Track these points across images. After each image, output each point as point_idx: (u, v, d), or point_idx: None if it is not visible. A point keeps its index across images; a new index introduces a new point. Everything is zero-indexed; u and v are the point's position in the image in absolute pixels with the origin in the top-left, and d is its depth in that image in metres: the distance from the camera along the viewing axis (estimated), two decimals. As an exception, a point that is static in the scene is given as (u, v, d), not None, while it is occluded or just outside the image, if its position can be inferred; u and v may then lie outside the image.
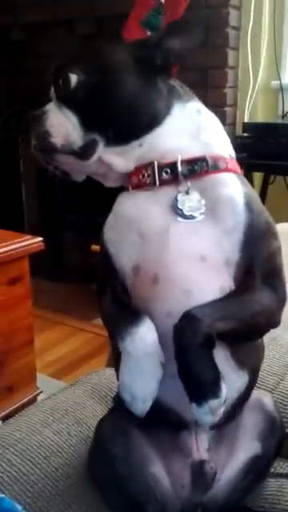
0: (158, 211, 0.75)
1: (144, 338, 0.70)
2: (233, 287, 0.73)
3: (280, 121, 2.59)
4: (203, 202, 0.74)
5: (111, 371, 1.11)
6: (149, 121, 0.77)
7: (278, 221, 2.19)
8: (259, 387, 0.93)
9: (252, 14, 2.54)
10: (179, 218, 0.74)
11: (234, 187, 0.75)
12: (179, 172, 0.75)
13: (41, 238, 1.77)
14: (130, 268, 0.76)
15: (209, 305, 0.71)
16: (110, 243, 0.78)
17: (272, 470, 0.90)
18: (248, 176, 2.52)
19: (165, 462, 0.81)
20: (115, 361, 0.83)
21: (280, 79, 2.59)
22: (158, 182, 0.75)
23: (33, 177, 3.22)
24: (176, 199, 0.74)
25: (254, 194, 0.78)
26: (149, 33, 2.54)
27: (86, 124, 0.76)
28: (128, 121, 0.77)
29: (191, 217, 0.73)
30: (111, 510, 0.82)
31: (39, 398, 1.81)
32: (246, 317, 0.74)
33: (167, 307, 0.73)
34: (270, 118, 2.68)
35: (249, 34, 2.56)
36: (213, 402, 0.69)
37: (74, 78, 0.76)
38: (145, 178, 0.76)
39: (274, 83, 2.63)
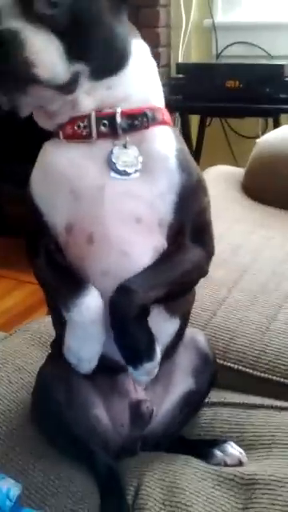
0: (92, 167, 0.72)
1: (90, 307, 0.72)
2: (165, 246, 0.75)
3: (214, 61, 2.58)
4: (140, 158, 0.72)
5: (50, 319, 1.13)
6: (122, 55, 0.72)
7: (214, 163, 2.24)
8: (192, 323, 0.97)
9: None
10: (112, 174, 0.72)
11: (169, 144, 0.75)
12: (118, 125, 0.72)
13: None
14: (63, 226, 0.74)
15: (141, 275, 0.73)
16: (39, 198, 0.74)
17: (206, 399, 0.94)
18: (184, 119, 2.53)
19: (105, 404, 0.84)
20: (54, 318, 0.87)
21: (213, 17, 2.56)
22: (95, 135, 0.72)
23: None
24: (111, 152, 0.72)
25: (186, 150, 0.77)
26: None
27: (71, 52, 0.66)
28: (108, 52, 0.71)
29: (124, 172, 0.72)
30: (56, 448, 0.85)
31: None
32: (178, 278, 0.77)
33: (103, 267, 0.74)
34: (204, 57, 2.68)
35: None
36: (148, 365, 0.73)
37: None
38: (80, 128, 0.72)
39: (207, 21, 2.61)
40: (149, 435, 0.86)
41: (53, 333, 0.89)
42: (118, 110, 0.72)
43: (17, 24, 0.64)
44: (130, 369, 0.73)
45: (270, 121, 2.41)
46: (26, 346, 1.07)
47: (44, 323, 1.12)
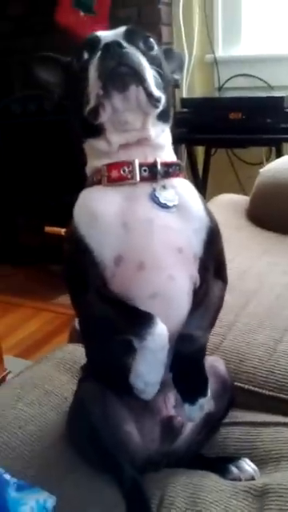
0: (139, 203, 0.82)
1: (162, 334, 0.80)
2: (197, 277, 0.85)
3: (217, 94, 2.67)
4: (177, 197, 0.84)
5: (73, 346, 1.21)
6: (170, 111, 0.86)
7: (220, 191, 2.32)
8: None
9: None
10: (156, 207, 0.82)
11: (194, 191, 0.88)
12: (158, 171, 0.83)
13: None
14: (112, 259, 0.81)
15: (193, 320, 0.85)
16: (90, 239, 0.81)
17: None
18: (190, 150, 2.62)
19: (137, 421, 0.90)
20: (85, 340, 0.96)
21: (214, 52, 2.67)
22: (138, 178, 0.82)
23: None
24: (154, 190, 0.83)
25: (202, 199, 0.90)
26: (82, 13, 2.57)
27: (158, 84, 0.80)
28: (169, 103, 0.84)
29: (166, 206, 0.82)
30: (86, 462, 0.91)
31: (8, 377, 1.88)
32: (216, 314, 0.90)
33: (152, 290, 0.83)
34: (207, 91, 2.76)
35: (180, 8, 2.61)
36: (202, 401, 0.83)
37: (155, 45, 0.83)
38: (125, 173, 0.82)
39: (209, 57, 2.70)
40: (172, 453, 0.93)
41: (76, 359, 0.97)
42: (158, 160, 0.83)
43: (132, 50, 0.78)
44: (187, 406, 0.82)
45: (274, 148, 2.49)
46: (52, 372, 1.13)
47: (68, 350, 1.19)
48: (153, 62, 0.80)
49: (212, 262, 0.87)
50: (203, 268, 0.85)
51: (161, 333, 0.80)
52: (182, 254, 0.83)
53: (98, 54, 0.78)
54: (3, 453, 0.93)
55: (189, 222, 0.84)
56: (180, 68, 0.95)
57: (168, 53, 0.90)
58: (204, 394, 0.84)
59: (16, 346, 2.34)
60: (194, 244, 0.84)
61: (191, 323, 0.85)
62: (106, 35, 0.81)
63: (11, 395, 1.07)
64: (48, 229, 2.51)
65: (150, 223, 0.82)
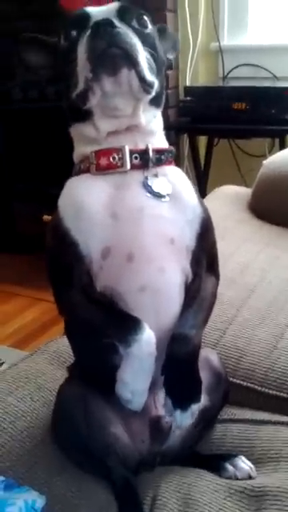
0: (129, 192, 0.79)
1: (149, 341, 0.77)
2: (189, 270, 0.82)
3: (221, 83, 2.63)
4: (169, 186, 0.80)
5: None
6: (163, 95, 0.81)
7: (222, 182, 2.30)
8: (204, 342, 1.00)
9: (188, -25, 2.53)
10: (148, 194, 0.78)
11: (187, 181, 0.84)
12: (150, 159, 0.79)
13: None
14: (99, 251, 0.77)
15: (186, 319, 0.81)
16: (76, 231, 0.77)
17: (218, 416, 0.99)
18: (193, 140, 2.59)
19: (124, 422, 0.87)
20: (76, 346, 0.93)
21: (219, 41, 2.62)
22: (129, 166, 0.78)
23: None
24: (146, 178, 0.79)
25: (195, 188, 0.86)
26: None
27: (151, 68, 0.75)
28: (162, 86, 0.79)
29: (159, 194, 0.79)
30: (75, 464, 0.88)
31: (2, 368, 1.87)
32: (209, 311, 0.86)
33: (141, 283, 0.79)
34: (211, 80, 2.72)
35: (185, -5, 2.56)
36: (195, 407, 0.80)
37: (149, 23, 0.78)
38: (115, 160, 0.78)
39: (214, 45, 2.65)
40: (166, 451, 0.90)
41: (70, 353, 0.94)
42: (150, 147, 0.80)
43: (123, 29, 0.73)
44: (178, 412, 0.79)
45: (277, 139, 2.45)
46: (46, 366, 1.11)
47: (63, 343, 1.16)
48: (146, 42, 0.75)
49: (204, 256, 0.84)
50: (195, 261, 0.82)
51: (148, 339, 0.77)
52: (174, 245, 0.80)
53: (88, 32, 0.72)
54: (-8, 449, 0.90)
55: (182, 212, 0.80)
56: (174, 48, 0.88)
57: (162, 32, 0.85)
58: (197, 400, 0.81)
59: (11, 335, 2.33)
60: (187, 235, 0.80)
61: (184, 322, 0.81)
62: (96, 12, 0.76)
63: (3, 388, 1.04)
64: (46, 217, 2.49)
65: (141, 212, 0.78)
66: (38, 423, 0.96)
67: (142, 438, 0.88)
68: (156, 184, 0.79)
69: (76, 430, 0.86)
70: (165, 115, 0.84)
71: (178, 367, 0.80)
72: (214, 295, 0.88)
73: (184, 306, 0.83)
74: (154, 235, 0.78)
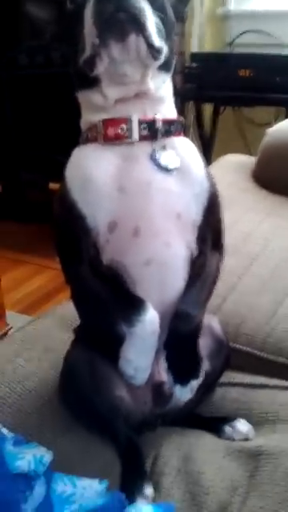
0: (137, 165, 0.77)
1: (153, 321, 0.79)
2: (194, 245, 0.82)
3: (228, 49, 2.60)
4: (178, 159, 0.79)
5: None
6: (173, 60, 0.80)
7: (227, 151, 2.29)
8: (206, 308, 1.02)
9: None
10: (156, 169, 0.77)
11: (196, 153, 0.83)
12: (158, 130, 0.78)
13: (-3, 181, 1.79)
14: (106, 225, 0.77)
15: (189, 296, 0.83)
16: (82, 203, 0.77)
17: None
18: (198, 108, 2.57)
19: (128, 385, 0.89)
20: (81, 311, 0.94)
21: (226, 6, 2.59)
22: (137, 137, 0.77)
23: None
24: (154, 151, 0.78)
25: (204, 161, 0.84)
26: None
27: (161, 32, 0.73)
28: (172, 52, 0.77)
29: (166, 168, 0.78)
30: (81, 423, 0.91)
31: (10, 333, 1.90)
32: (212, 288, 0.88)
33: (147, 257, 0.80)
34: (218, 46, 2.69)
35: None
36: (194, 382, 0.83)
37: None
38: (123, 131, 0.77)
39: (220, 10, 2.62)
40: (168, 412, 0.92)
41: (77, 317, 0.97)
42: (158, 116, 0.78)
43: None
44: (178, 386, 0.83)
45: (283, 109, 2.44)
46: (53, 329, 1.14)
47: (69, 307, 1.17)
48: (155, 4, 0.72)
49: (210, 232, 0.84)
50: (201, 237, 0.82)
51: (151, 320, 0.79)
52: (180, 220, 0.79)
53: None
54: (1, 407, 0.94)
55: (189, 186, 0.80)
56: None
57: None
58: (196, 376, 0.84)
59: (19, 302, 2.37)
60: (194, 210, 0.80)
61: (187, 300, 0.83)
62: None
63: (11, 350, 1.08)
64: (53, 185, 2.50)
65: (148, 186, 0.77)
66: (46, 384, 0.99)
67: (145, 400, 0.90)
68: (164, 157, 0.78)
69: (82, 392, 0.89)
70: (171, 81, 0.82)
71: (180, 343, 0.83)
72: (218, 271, 0.89)
73: (188, 281, 0.83)
74: (161, 210, 0.78)
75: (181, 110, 2.60)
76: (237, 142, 2.61)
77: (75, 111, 0.83)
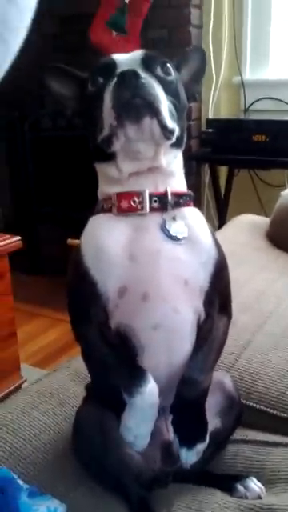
0: (147, 234, 0.81)
1: (152, 393, 0.80)
2: (202, 310, 0.84)
3: (242, 116, 2.70)
4: (186, 229, 0.82)
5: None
6: (184, 136, 0.83)
7: (241, 211, 2.35)
8: (219, 365, 1.04)
9: (212, 12, 2.64)
10: (166, 239, 0.80)
11: (204, 222, 0.87)
12: (169, 202, 0.82)
13: (19, 237, 1.84)
14: (116, 290, 0.79)
15: (196, 361, 0.85)
16: (94, 270, 0.80)
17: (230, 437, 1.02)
18: (213, 169, 2.65)
19: None
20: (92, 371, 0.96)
21: (241, 75, 2.70)
22: (148, 209, 0.81)
23: (5, 171, 3.29)
24: (165, 221, 0.81)
25: (212, 230, 0.88)
26: (114, 33, 2.63)
27: (173, 115, 0.77)
28: (183, 128, 0.82)
29: (176, 238, 0.81)
30: (93, 479, 0.92)
31: (24, 385, 1.91)
32: (219, 352, 0.90)
33: (155, 321, 0.82)
34: (233, 112, 2.79)
35: (210, 31, 2.66)
36: (200, 446, 0.84)
37: (172, 70, 0.80)
38: (136, 203, 0.81)
39: (236, 79, 2.73)
40: (178, 470, 0.91)
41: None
42: (169, 190, 0.82)
43: (147, 78, 0.75)
44: (184, 450, 0.84)
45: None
46: (68, 382, 1.16)
47: (83, 362, 1.21)
48: (169, 90, 0.77)
49: (217, 296, 0.86)
50: (208, 302, 0.84)
51: (150, 392, 0.80)
52: (188, 286, 0.82)
53: (114, 81, 0.75)
54: (17, 459, 0.95)
55: (197, 254, 0.82)
56: (201, 71, 0.89)
57: (186, 56, 0.87)
58: (203, 440, 0.85)
59: (33, 355, 2.38)
60: (201, 277, 0.82)
61: (194, 366, 0.84)
62: (122, 60, 0.79)
63: (28, 402, 1.09)
64: (70, 241, 2.56)
65: (158, 254, 0.80)
66: (61, 437, 1.01)
67: (154, 458, 0.91)
68: (173, 228, 0.81)
69: (93, 450, 0.89)
70: (187, 145, 0.86)
71: (186, 408, 0.84)
72: (225, 335, 0.91)
73: (195, 345, 0.85)
74: (169, 277, 0.80)
75: (197, 171, 2.69)
76: (251, 203, 2.67)
77: (92, 173, 0.87)
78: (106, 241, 0.81)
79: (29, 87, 2.54)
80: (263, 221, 2.07)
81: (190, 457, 0.84)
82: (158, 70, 0.79)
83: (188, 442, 0.84)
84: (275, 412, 1.09)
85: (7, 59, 0.34)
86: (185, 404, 0.84)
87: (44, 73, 0.85)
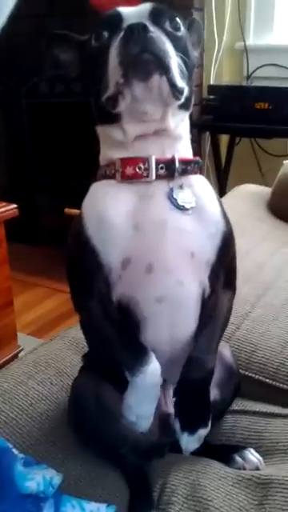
0: (153, 203, 0.77)
1: (154, 373, 0.79)
2: (207, 284, 0.82)
3: (245, 82, 2.64)
4: (194, 198, 0.78)
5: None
6: (191, 98, 0.79)
7: (242, 181, 2.32)
8: None
9: (216, -26, 2.54)
10: (173, 208, 0.77)
11: (212, 192, 0.83)
12: (176, 169, 0.78)
13: (15, 205, 1.81)
14: (120, 261, 0.76)
15: (202, 341, 0.82)
16: (97, 240, 0.76)
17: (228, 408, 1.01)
18: (214, 138, 2.61)
19: None
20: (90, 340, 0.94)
21: (244, 40, 2.63)
22: (154, 176, 0.77)
23: (1, 139, 3.24)
24: (172, 190, 0.78)
25: (220, 200, 0.84)
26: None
27: (183, 73, 0.73)
28: (191, 88, 0.77)
29: (183, 208, 0.77)
30: (89, 449, 0.91)
31: (20, 354, 1.91)
32: (224, 328, 0.88)
33: (159, 294, 0.79)
34: (235, 79, 2.73)
35: (213, -6, 2.57)
36: (202, 431, 0.82)
37: (181, 25, 0.76)
38: (141, 170, 0.77)
39: (239, 44, 2.66)
40: (176, 440, 0.89)
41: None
42: (176, 156, 0.78)
43: (156, 33, 0.71)
44: (185, 435, 0.82)
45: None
46: (65, 351, 1.14)
47: (80, 331, 1.20)
48: (179, 46, 0.73)
49: (223, 270, 0.83)
50: (214, 276, 0.81)
51: (153, 372, 0.79)
52: (194, 258, 0.79)
53: (120, 35, 0.70)
54: (12, 428, 0.94)
55: (205, 226, 0.79)
56: (199, 42, 0.86)
57: (190, 25, 0.83)
58: (205, 425, 0.83)
59: (30, 324, 2.38)
60: (208, 249, 0.79)
61: (200, 346, 0.82)
62: (128, 13, 0.73)
63: (24, 372, 1.08)
64: (67, 210, 2.53)
65: (164, 225, 0.77)
66: (57, 407, 1.00)
67: (152, 429, 0.89)
68: (181, 197, 0.78)
69: (89, 420, 0.88)
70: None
71: (191, 390, 0.82)
72: (230, 310, 0.89)
73: (200, 325, 0.83)
74: (174, 248, 0.77)
75: (197, 140, 2.64)
76: (253, 172, 2.64)
77: (91, 140, 0.84)
78: (110, 209, 0.77)
79: (26, 52, 2.47)
80: (264, 191, 2.04)
81: (190, 443, 0.83)
82: (167, 25, 0.74)
83: (190, 426, 0.82)
84: (274, 383, 1.09)
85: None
86: (190, 385, 0.82)
87: (45, 40, 0.82)
